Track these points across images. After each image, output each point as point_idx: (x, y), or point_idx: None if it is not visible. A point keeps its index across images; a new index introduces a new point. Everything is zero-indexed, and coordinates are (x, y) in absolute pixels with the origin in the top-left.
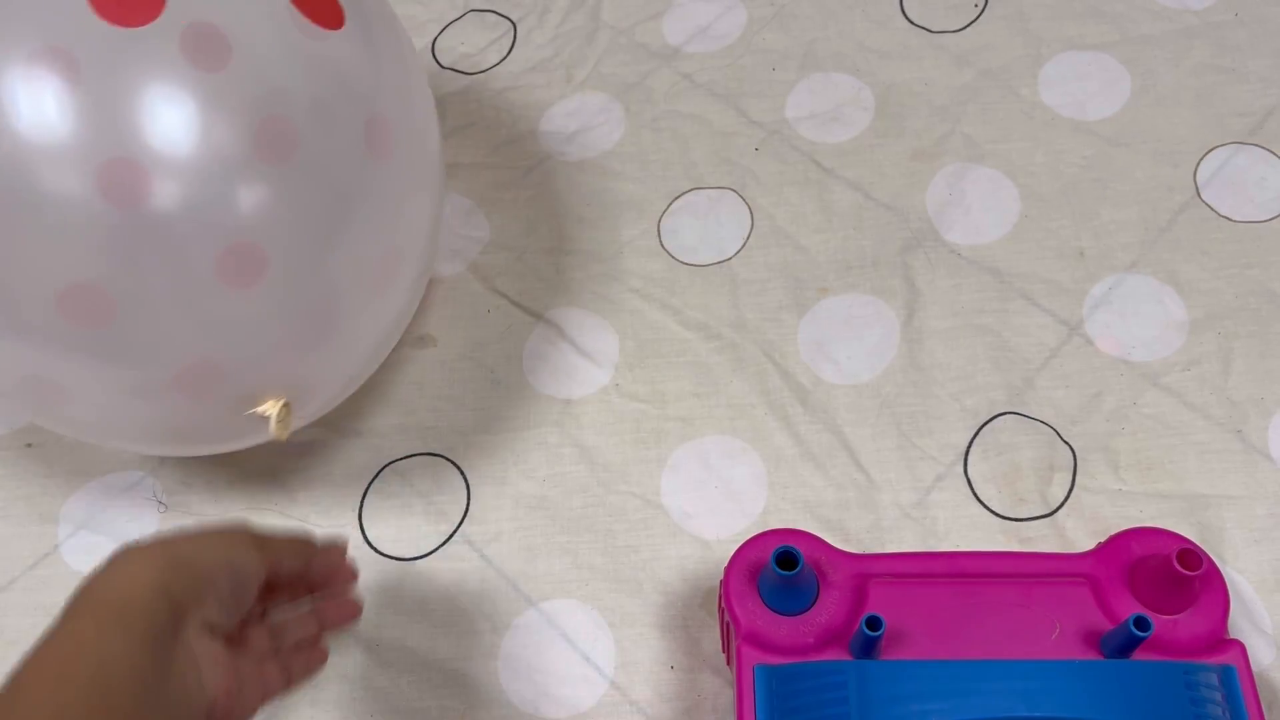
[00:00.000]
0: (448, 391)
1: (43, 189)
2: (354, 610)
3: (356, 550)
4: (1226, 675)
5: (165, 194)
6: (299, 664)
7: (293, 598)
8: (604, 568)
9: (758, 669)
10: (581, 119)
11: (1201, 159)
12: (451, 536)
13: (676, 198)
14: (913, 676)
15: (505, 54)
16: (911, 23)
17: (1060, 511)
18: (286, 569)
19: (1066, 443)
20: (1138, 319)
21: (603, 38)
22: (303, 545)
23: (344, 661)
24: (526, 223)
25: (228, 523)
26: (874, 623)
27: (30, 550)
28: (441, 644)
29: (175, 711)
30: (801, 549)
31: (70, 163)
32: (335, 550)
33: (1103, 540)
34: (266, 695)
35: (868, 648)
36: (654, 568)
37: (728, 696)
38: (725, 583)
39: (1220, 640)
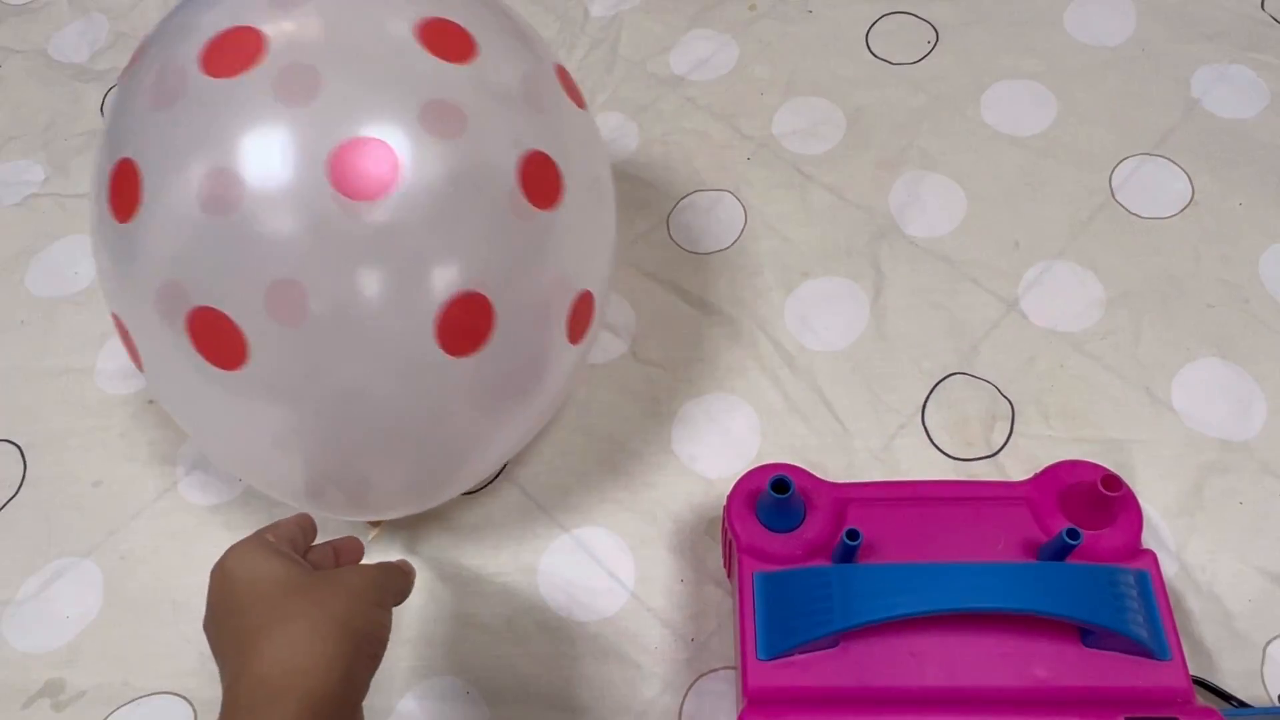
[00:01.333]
0: None
1: None
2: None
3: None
4: (1141, 578)
5: None
6: None
7: None
8: (625, 500)
9: (756, 575)
10: (603, 134)
11: (1115, 167)
12: (498, 475)
13: (682, 198)
14: (884, 577)
15: None
16: (875, 56)
17: (1001, 453)
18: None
19: (1006, 397)
20: (1064, 297)
21: (620, 68)
22: (406, 577)
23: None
24: None
25: (366, 572)
26: (853, 534)
27: (154, 486)
28: (491, 562)
29: None
30: (792, 478)
31: None
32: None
33: (1038, 471)
34: None
35: (847, 555)
36: (666, 501)
37: (727, 604)
38: (728, 506)
39: (1136, 550)
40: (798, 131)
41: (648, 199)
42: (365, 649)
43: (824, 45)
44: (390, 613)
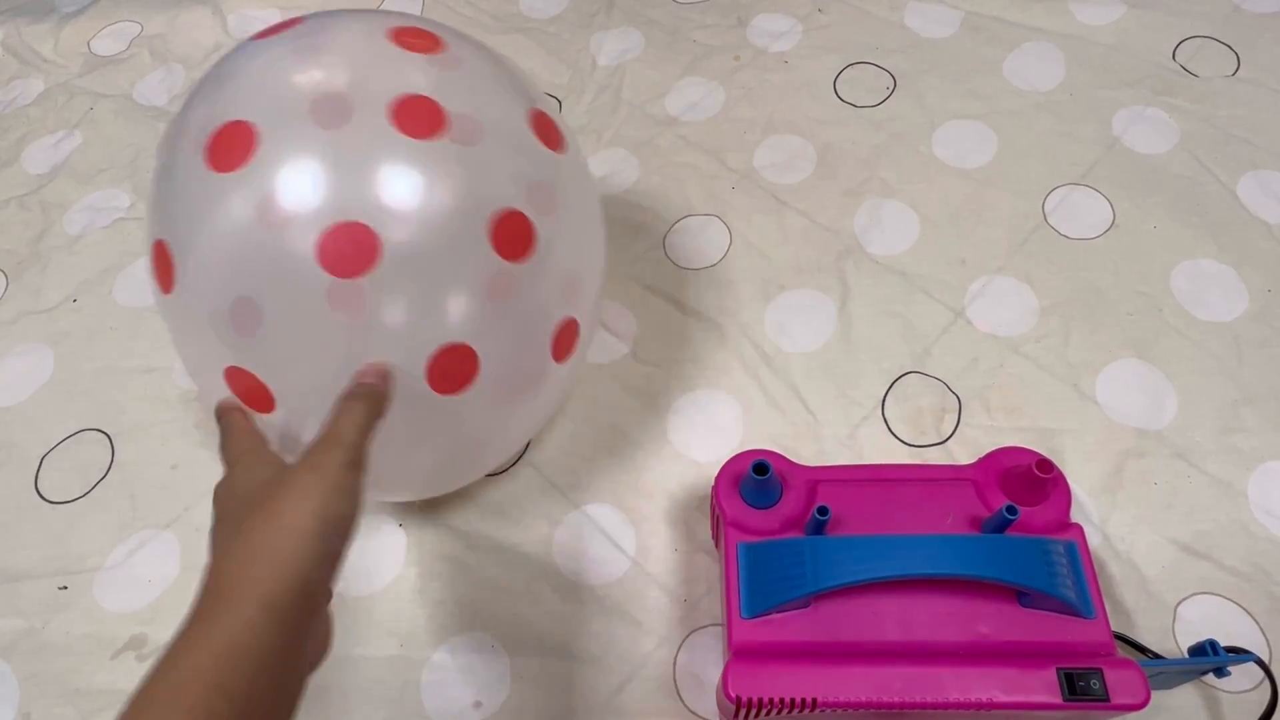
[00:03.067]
0: None
1: None
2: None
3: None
4: (1070, 548)
5: None
6: None
7: None
8: (628, 481)
9: (740, 545)
10: (608, 167)
11: (1047, 195)
12: (518, 460)
13: (676, 222)
14: (850, 547)
15: None
16: (842, 100)
17: (950, 441)
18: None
19: (954, 393)
20: (1003, 307)
21: (623, 110)
22: (368, 404)
23: (447, 547)
24: None
25: (325, 451)
26: (823, 510)
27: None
28: (512, 534)
29: (298, 680)
30: (770, 462)
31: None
32: (370, 370)
33: (982, 456)
34: None
35: (818, 528)
36: (662, 482)
37: (715, 570)
38: (716, 486)
39: (1065, 524)
40: (775, 164)
41: (646, 223)
42: (331, 534)
43: (798, 91)
44: (360, 473)
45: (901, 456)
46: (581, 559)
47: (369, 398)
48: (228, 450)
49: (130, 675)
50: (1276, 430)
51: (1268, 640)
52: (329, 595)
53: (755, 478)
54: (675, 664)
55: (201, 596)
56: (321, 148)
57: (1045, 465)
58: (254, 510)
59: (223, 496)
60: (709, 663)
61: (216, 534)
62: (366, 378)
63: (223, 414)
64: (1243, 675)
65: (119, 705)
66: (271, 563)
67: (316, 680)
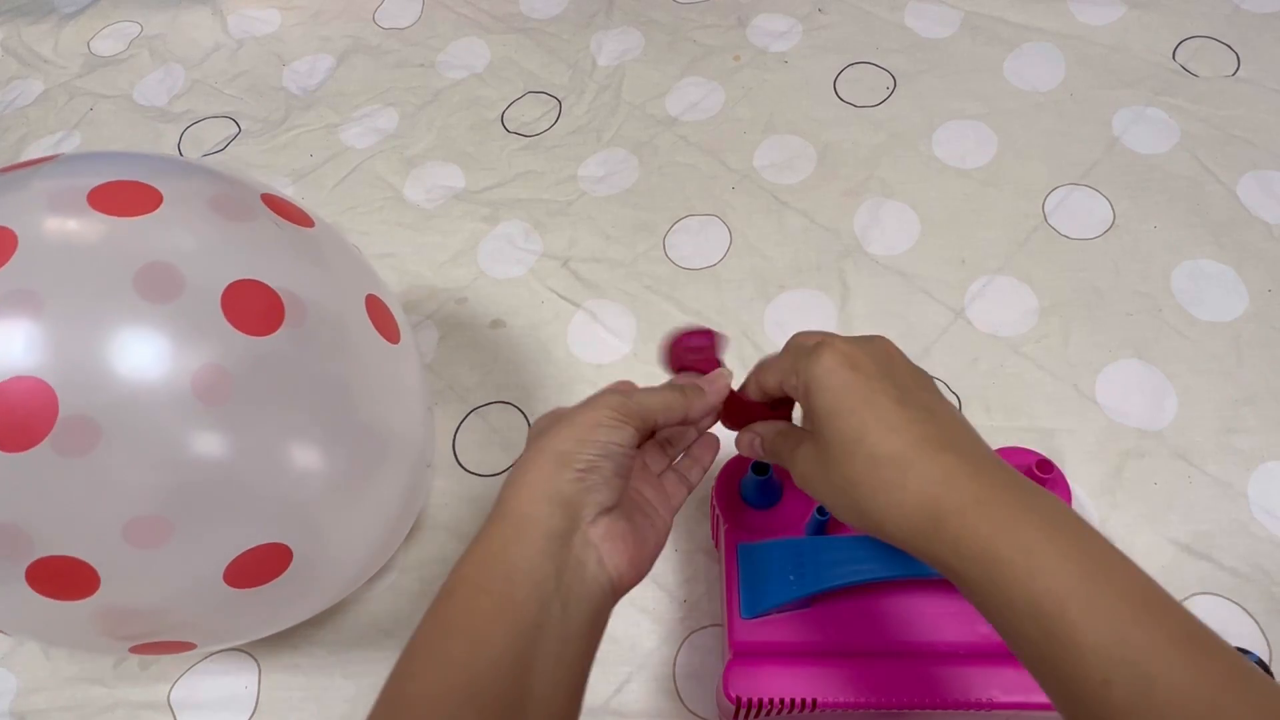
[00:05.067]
0: (514, 359)
1: None
2: (715, 444)
3: (451, 470)
4: None
5: None
6: (691, 469)
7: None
8: None
9: (740, 546)
10: (609, 167)
11: (1047, 195)
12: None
13: (676, 222)
14: (849, 547)
15: (554, 122)
16: (842, 100)
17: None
18: (664, 424)
19: (954, 393)
20: (1003, 307)
21: (623, 110)
22: (675, 401)
23: (443, 550)
24: (569, 240)
25: (602, 398)
26: (823, 510)
27: None
28: None
29: (576, 598)
30: (771, 462)
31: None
32: (701, 394)
33: None
34: (673, 505)
35: (818, 529)
36: None
37: (715, 571)
38: (716, 487)
39: None
40: (775, 165)
41: (646, 222)
42: (568, 465)
43: (798, 91)
44: (622, 429)
45: None
46: None
47: (687, 396)
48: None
49: None
50: (1276, 430)
51: (1267, 640)
52: (597, 508)
53: (755, 478)
54: (675, 664)
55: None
56: None
57: (1045, 465)
58: (532, 443)
59: (529, 434)
60: (709, 663)
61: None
62: (698, 391)
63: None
64: None
65: None
66: (525, 482)
67: (317, 683)
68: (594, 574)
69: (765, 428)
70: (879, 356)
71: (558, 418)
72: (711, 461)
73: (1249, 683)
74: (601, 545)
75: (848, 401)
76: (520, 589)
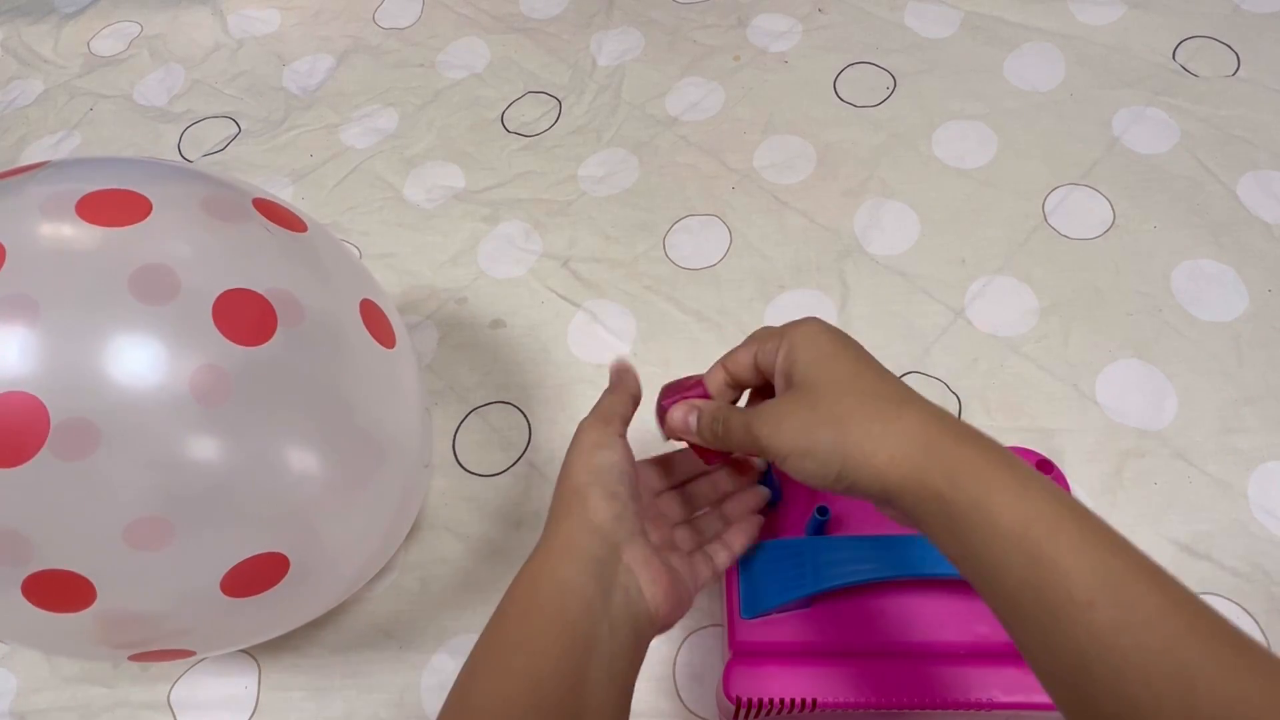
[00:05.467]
0: (515, 358)
1: None
2: (757, 501)
3: (451, 470)
4: None
5: None
6: (719, 553)
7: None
8: None
9: None
10: (608, 167)
11: (1047, 195)
12: (518, 460)
13: (676, 222)
14: (848, 546)
15: (554, 122)
16: (842, 100)
17: None
18: (630, 414)
19: (954, 393)
20: (1003, 307)
21: (623, 110)
22: (622, 393)
23: (443, 550)
24: (569, 240)
25: (580, 431)
26: (823, 510)
27: None
28: (512, 535)
29: (620, 621)
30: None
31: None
32: (616, 368)
33: None
34: (698, 583)
35: (818, 528)
36: None
37: None
38: None
39: None
40: (775, 165)
41: (646, 222)
42: (590, 498)
43: (798, 91)
44: (613, 447)
45: None
46: None
47: (619, 389)
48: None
49: None
50: (1276, 430)
51: (1268, 640)
52: (628, 534)
53: (758, 481)
54: (675, 664)
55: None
56: None
57: (1045, 465)
58: (558, 483)
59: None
60: (709, 663)
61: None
62: (614, 374)
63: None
64: None
65: None
66: (562, 515)
67: (317, 683)
68: (635, 599)
69: (705, 403)
70: (855, 341)
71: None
72: (743, 549)
73: (1217, 615)
74: (640, 573)
75: (839, 352)
76: (571, 609)
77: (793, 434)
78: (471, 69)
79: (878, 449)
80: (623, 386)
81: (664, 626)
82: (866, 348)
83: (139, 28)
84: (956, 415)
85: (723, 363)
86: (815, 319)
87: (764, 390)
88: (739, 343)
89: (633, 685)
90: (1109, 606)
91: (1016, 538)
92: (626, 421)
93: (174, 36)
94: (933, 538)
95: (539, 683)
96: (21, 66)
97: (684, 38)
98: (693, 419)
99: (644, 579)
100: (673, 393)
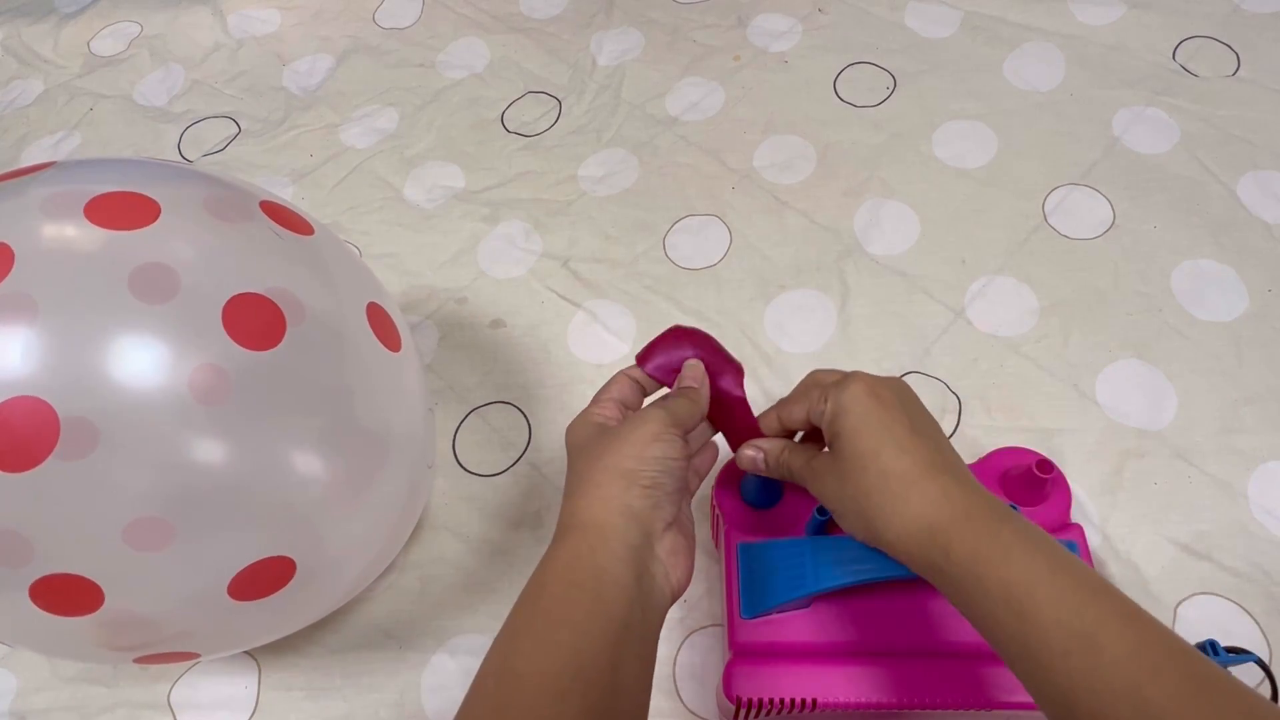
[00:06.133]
0: (515, 358)
1: None
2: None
3: (451, 470)
4: (1070, 547)
5: None
6: (691, 479)
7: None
8: None
9: (740, 545)
10: (608, 167)
11: (1047, 195)
12: (518, 460)
13: (676, 222)
14: (849, 547)
15: (554, 122)
16: (842, 100)
17: (950, 440)
18: (690, 429)
19: (954, 393)
20: (1003, 307)
21: (623, 110)
22: (693, 407)
23: (443, 550)
24: (569, 240)
25: (646, 412)
26: (823, 510)
27: None
28: (512, 535)
29: (651, 605)
30: None
31: None
32: (698, 393)
33: (982, 456)
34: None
35: (818, 529)
36: None
37: (715, 571)
38: (717, 486)
39: (1065, 524)
40: (775, 165)
41: (646, 222)
42: (636, 483)
43: (798, 91)
44: (672, 443)
45: None
46: None
47: (691, 396)
48: (598, 407)
49: None
50: (1276, 430)
51: (1268, 640)
52: (663, 524)
53: (755, 478)
54: (675, 664)
55: (555, 532)
56: None
57: (1045, 465)
58: (588, 457)
59: (569, 451)
60: (709, 663)
61: (565, 486)
62: (690, 380)
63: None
64: (1243, 675)
65: None
66: (597, 497)
67: (317, 683)
68: (660, 586)
69: (769, 444)
70: (897, 390)
71: (603, 431)
72: (709, 469)
73: (1186, 654)
74: (666, 560)
75: (868, 424)
76: (608, 590)
77: (829, 497)
78: (471, 69)
79: (888, 526)
80: (698, 396)
81: (677, 600)
82: (867, 346)
83: (139, 28)
84: (956, 414)
85: (777, 411)
86: (860, 380)
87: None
88: (739, 342)
89: (655, 663)
90: (1082, 654)
91: (1003, 600)
92: (687, 431)
93: (174, 36)
94: (942, 593)
95: (581, 659)
96: (21, 66)
97: (684, 38)
98: (759, 459)
99: (670, 565)
100: (653, 355)
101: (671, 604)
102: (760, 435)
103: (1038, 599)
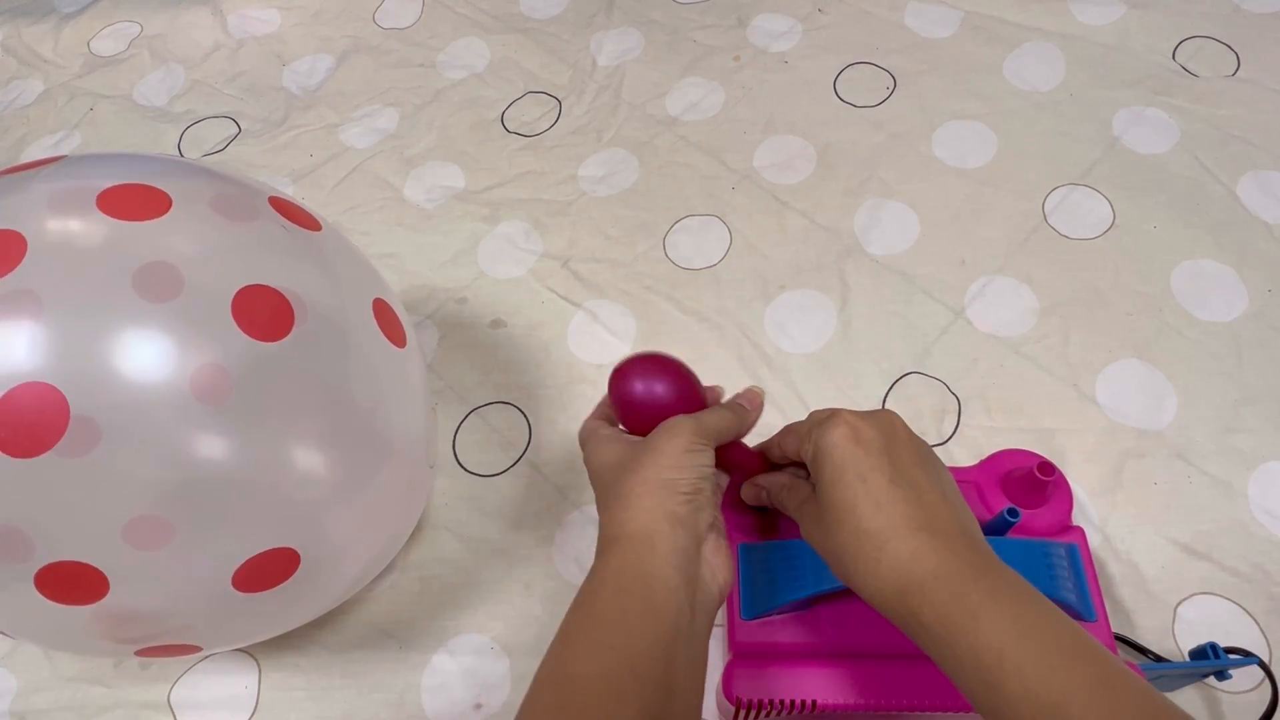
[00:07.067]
0: (515, 358)
1: None
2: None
3: (451, 470)
4: (1071, 551)
5: None
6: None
7: None
8: None
9: (741, 546)
10: (608, 167)
11: (1047, 195)
12: (518, 460)
13: (676, 222)
14: None
15: (554, 122)
16: (842, 100)
17: (950, 441)
18: (724, 442)
19: (954, 394)
20: (1003, 307)
21: (623, 110)
22: (734, 421)
23: (443, 550)
24: (569, 240)
25: (677, 423)
26: None
27: None
28: (512, 535)
29: (700, 609)
30: None
31: None
32: (747, 412)
33: (983, 458)
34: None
35: None
36: None
37: None
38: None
39: (1067, 527)
40: (775, 165)
41: (646, 222)
42: (676, 491)
43: (798, 91)
44: (705, 452)
45: None
46: (582, 559)
47: (737, 413)
48: (581, 438)
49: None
50: (1276, 430)
51: (1268, 640)
52: (706, 527)
53: None
54: None
55: (600, 544)
56: None
57: (1047, 468)
58: (623, 472)
59: (596, 469)
60: (709, 663)
61: (599, 502)
62: (744, 401)
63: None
64: (1243, 676)
65: None
66: (640, 507)
67: (317, 683)
68: (708, 586)
69: (770, 480)
70: (884, 430)
71: (630, 445)
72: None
73: (1153, 714)
74: (713, 561)
75: (846, 475)
76: (658, 595)
77: (814, 543)
78: (471, 69)
79: (864, 585)
80: (744, 416)
81: (725, 599)
82: (867, 347)
83: (139, 28)
84: (956, 415)
85: (778, 440)
86: (842, 423)
87: None
88: (739, 343)
89: (706, 666)
90: None
91: (973, 668)
92: (720, 443)
93: (174, 36)
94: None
95: (636, 661)
96: (21, 66)
97: (684, 38)
98: (764, 495)
99: (715, 565)
100: (631, 376)
101: (720, 604)
102: (754, 462)
103: (1006, 668)
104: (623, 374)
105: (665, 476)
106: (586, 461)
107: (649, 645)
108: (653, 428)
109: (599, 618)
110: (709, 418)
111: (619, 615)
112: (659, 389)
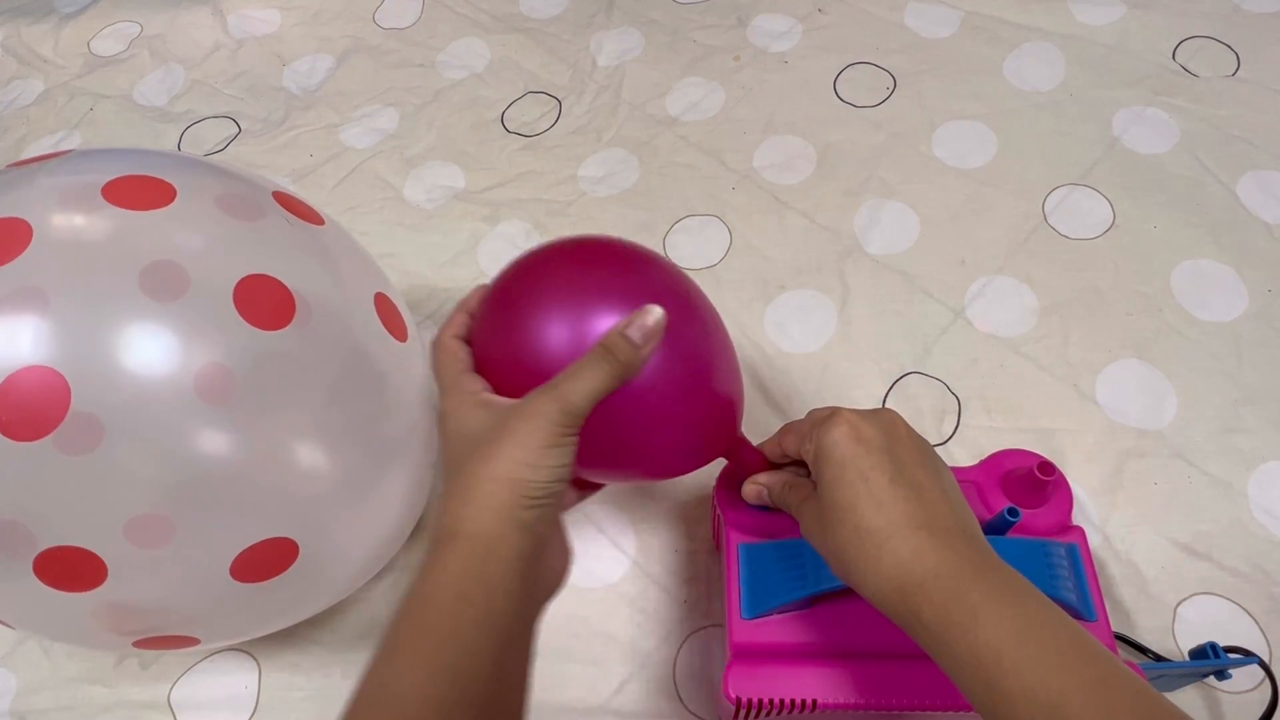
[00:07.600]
0: None
1: None
2: None
3: None
4: (1071, 550)
5: None
6: None
7: None
8: None
9: (740, 546)
10: (608, 167)
11: (1047, 195)
12: None
13: (676, 222)
14: None
15: (554, 122)
16: (842, 100)
17: (950, 442)
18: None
19: (954, 394)
20: (1003, 307)
21: (623, 110)
22: (608, 376)
23: None
24: None
25: (538, 404)
26: None
27: None
28: None
29: (538, 610)
30: None
31: None
32: (632, 345)
33: (983, 458)
34: (563, 505)
35: None
36: (663, 482)
37: (716, 570)
38: (717, 486)
39: (1067, 527)
40: (775, 165)
41: (646, 222)
42: (528, 495)
43: (798, 91)
44: (567, 448)
45: None
46: (582, 559)
47: (610, 365)
48: (439, 377)
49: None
50: (1276, 430)
51: (1268, 640)
52: (547, 527)
53: None
54: (675, 664)
55: (436, 537)
56: None
57: (1047, 468)
58: (473, 455)
59: (449, 436)
60: (709, 663)
61: (445, 474)
62: (620, 339)
63: (437, 343)
64: (1243, 675)
65: None
66: (486, 506)
67: (317, 683)
68: (546, 587)
69: (770, 478)
70: (885, 429)
71: (489, 418)
72: None
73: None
74: (555, 562)
75: (847, 474)
76: (498, 602)
77: (814, 542)
78: (471, 69)
79: (864, 584)
80: (616, 370)
81: (560, 588)
82: (867, 347)
83: (139, 28)
84: (956, 415)
85: (779, 439)
86: (843, 422)
87: None
88: (739, 343)
89: (535, 651)
90: None
91: (972, 668)
92: (584, 419)
93: (174, 36)
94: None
95: (467, 680)
96: (21, 66)
97: (684, 38)
98: (764, 493)
99: (556, 565)
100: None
101: (556, 593)
102: (757, 458)
103: (1005, 667)
104: (513, 298)
105: (519, 475)
106: (441, 421)
107: (482, 660)
108: (521, 391)
109: (431, 629)
110: (578, 387)
111: (455, 626)
112: (553, 337)
